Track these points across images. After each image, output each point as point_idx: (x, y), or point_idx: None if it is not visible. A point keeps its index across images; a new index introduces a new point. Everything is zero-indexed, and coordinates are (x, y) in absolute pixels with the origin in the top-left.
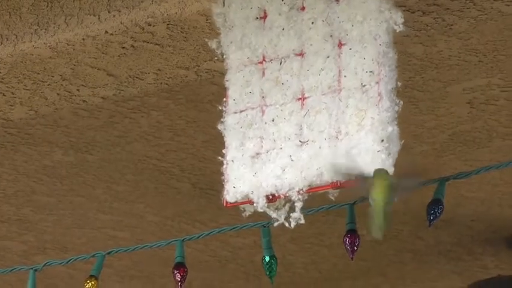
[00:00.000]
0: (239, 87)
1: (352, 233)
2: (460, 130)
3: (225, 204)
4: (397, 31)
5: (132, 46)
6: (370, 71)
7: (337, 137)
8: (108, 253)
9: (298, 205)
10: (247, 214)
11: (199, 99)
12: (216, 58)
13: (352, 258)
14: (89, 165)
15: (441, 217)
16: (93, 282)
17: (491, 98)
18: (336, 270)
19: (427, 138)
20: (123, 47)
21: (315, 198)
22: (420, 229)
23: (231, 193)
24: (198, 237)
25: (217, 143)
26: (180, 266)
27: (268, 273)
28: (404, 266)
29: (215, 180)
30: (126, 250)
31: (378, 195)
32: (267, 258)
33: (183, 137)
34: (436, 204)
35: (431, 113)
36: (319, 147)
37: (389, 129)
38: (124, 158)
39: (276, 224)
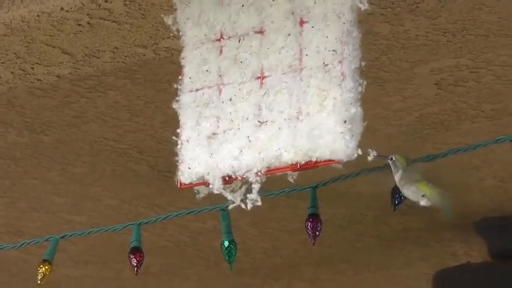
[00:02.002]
0: (196, 65)
1: (314, 217)
2: (427, 112)
3: (179, 186)
4: (362, 9)
5: (89, 23)
6: (333, 50)
7: (297, 118)
8: (62, 237)
9: (256, 187)
10: (201, 196)
11: (158, 79)
12: (173, 35)
13: (314, 243)
14: (44, 147)
15: (407, 202)
16: (46, 267)
17: (460, 79)
18: (298, 256)
19: (394, 120)
20: (79, 24)
21: (276, 182)
22: (386, 214)
23: (186, 174)
24: (155, 221)
25: (176, 124)
26: (136, 250)
27: (227, 258)
28: (369, 252)
29: (173, 163)
30: (81, 234)
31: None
32: (226, 243)
33: (141, 117)
34: None
35: (398, 95)
36: (279, 128)
37: (353, 110)
38: (80, 139)
39: (231, 206)
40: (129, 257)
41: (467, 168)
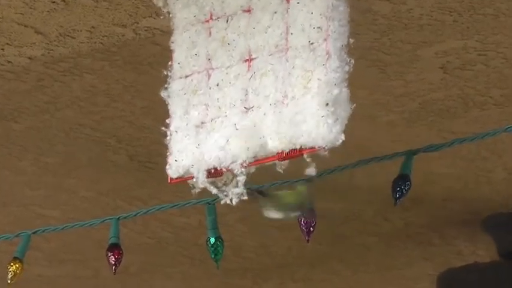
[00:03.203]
0: (185, 49)
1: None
2: (432, 98)
3: (169, 181)
4: None
5: (63, 1)
6: (318, 27)
7: (283, 102)
8: (34, 232)
9: (241, 179)
10: (196, 191)
11: (139, 61)
12: (155, 13)
13: (308, 240)
14: (14, 135)
15: (409, 196)
16: (17, 265)
17: (467, 62)
18: (290, 255)
19: (395, 106)
20: (53, 2)
21: (266, 174)
22: (386, 209)
23: (174, 167)
24: (135, 215)
25: (158, 110)
26: (114, 247)
27: (213, 256)
28: (367, 251)
29: (155, 152)
30: (55, 229)
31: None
32: (212, 240)
33: (120, 103)
34: (402, 180)
35: (399, 79)
36: (264, 114)
37: (335, 91)
38: (54, 127)
39: (222, 201)
40: (107, 254)
41: (474, 159)
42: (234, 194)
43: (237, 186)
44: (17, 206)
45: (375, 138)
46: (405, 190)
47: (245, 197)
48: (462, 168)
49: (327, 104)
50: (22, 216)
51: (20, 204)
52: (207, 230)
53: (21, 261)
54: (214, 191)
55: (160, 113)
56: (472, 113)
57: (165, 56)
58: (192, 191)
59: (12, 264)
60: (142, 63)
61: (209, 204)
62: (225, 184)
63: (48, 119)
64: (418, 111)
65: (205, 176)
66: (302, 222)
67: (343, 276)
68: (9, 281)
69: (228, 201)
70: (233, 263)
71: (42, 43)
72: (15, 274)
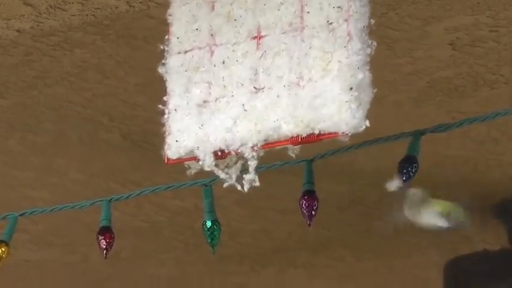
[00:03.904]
0: (184, 23)
1: (309, 194)
2: (440, 76)
3: (166, 161)
4: None
5: None
6: (338, 7)
7: (298, 84)
8: (22, 214)
9: (252, 164)
10: (192, 172)
11: (132, 35)
12: None
13: (309, 224)
14: (1, 112)
15: (416, 179)
16: (3, 249)
17: (478, 39)
18: (291, 240)
19: (403, 85)
20: None
21: (267, 154)
22: (392, 194)
23: (173, 148)
24: (127, 197)
25: (153, 87)
26: (105, 230)
27: (209, 241)
28: (372, 236)
29: (150, 131)
30: (43, 211)
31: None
32: (208, 224)
33: (113, 79)
34: (409, 161)
35: (407, 56)
36: (277, 96)
37: (360, 75)
38: (43, 103)
39: (226, 185)
40: (98, 238)
41: (484, 141)
42: (246, 180)
43: (243, 170)
44: (3, 187)
45: (380, 118)
46: (412, 172)
47: (257, 183)
48: (471, 150)
49: (351, 89)
50: (9, 197)
51: (7, 185)
52: (202, 213)
53: (7, 244)
54: (222, 175)
55: (156, 90)
56: (482, 92)
57: (160, 30)
58: (188, 172)
59: None
60: (136, 38)
61: (205, 186)
62: (228, 167)
63: (36, 95)
64: (426, 90)
65: (212, 158)
66: (303, 206)
67: (347, 263)
68: None
69: (239, 188)
70: (230, 249)
71: (31, 15)
72: (1, 258)
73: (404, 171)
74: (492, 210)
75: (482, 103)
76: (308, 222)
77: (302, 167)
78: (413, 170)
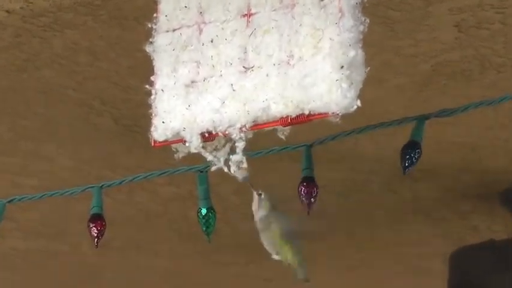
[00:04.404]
0: (173, 0)
1: (308, 181)
2: (445, 60)
3: (153, 144)
4: None
5: None
6: None
7: (288, 63)
8: (10, 201)
9: (240, 145)
10: (180, 156)
11: (124, 16)
12: None
13: (308, 212)
14: None
15: (420, 166)
16: None
17: (484, 20)
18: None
19: (405, 68)
20: None
21: (263, 140)
22: (394, 181)
23: (160, 130)
24: (119, 184)
25: (145, 70)
26: (96, 218)
27: (204, 229)
28: (373, 225)
29: (142, 115)
30: (32, 198)
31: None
32: (204, 211)
33: (105, 61)
34: (412, 147)
35: (409, 38)
36: (267, 75)
37: (352, 53)
38: (32, 87)
39: (213, 168)
40: (89, 225)
41: (491, 127)
42: (233, 162)
43: (230, 152)
44: None
45: (382, 103)
46: (415, 158)
47: (245, 165)
48: (478, 136)
49: (342, 67)
50: None
51: None
52: (197, 201)
53: None
54: (209, 157)
55: (147, 72)
56: (488, 75)
57: (152, 10)
58: (175, 156)
59: None
60: (128, 18)
61: (201, 172)
62: (216, 149)
63: (25, 78)
64: (430, 74)
65: (199, 140)
66: (302, 193)
67: (347, 253)
68: None
69: (226, 170)
70: (226, 239)
71: None
72: None
73: (407, 157)
74: (499, 198)
75: (488, 87)
76: (307, 210)
77: (301, 152)
78: (416, 156)
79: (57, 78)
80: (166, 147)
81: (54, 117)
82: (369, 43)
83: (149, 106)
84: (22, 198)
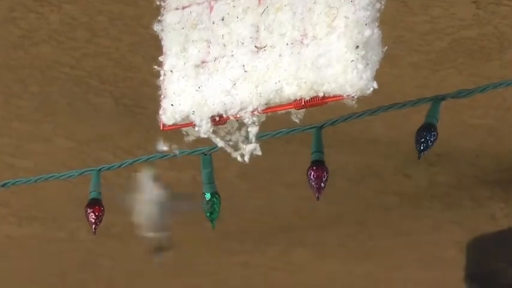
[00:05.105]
0: None
1: (318, 165)
2: (462, 37)
3: (161, 128)
4: None
5: None
6: None
7: (301, 42)
8: (3, 185)
9: (253, 130)
10: (190, 139)
11: None
12: None
13: (318, 197)
14: None
15: (435, 150)
16: None
17: None
18: (299, 215)
19: (420, 46)
20: None
21: (271, 121)
22: (409, 165)
23: (169, 113)
24: (119, 167)
25: (148, 47)
26: (95, 203)
27: (208, 214)
28: (387, 212)
29: (144, 95)
30: (27, 181)
31: None
32: (208, 196)
33: (104, 38)
34: (427, 129)
35: (425, 14)
36: (279, 55)
37: (367, 32)
38: (28, 65)
39: (234, 155)
40: (86, 211)
41: (510, 109)
42: (246, 150)
43: (245, 137)
44: None
45: (395, 82)
46: (431, 141)
47: (259, 153)
48: (496, 119)
49: (357, 47)
50: None
51: None
52: (201, 185)
53: None
54: (220, 143)
55: (150, 50)
56: (508, 54)
57: None
58: (186, 139)
59: None
60: None
61: (204, 155)
62: (229, 133)
63: (21, 55)
64: (446, 52)
65: (209, 124)
66: (311, 177)
67: (359, 241)
68: None
69: (239, 158)
70: (231, 226)
71: None
72: None
73: (422, 140)
74: None
75: (507, 66)
76: (317, 195)
77: (310, 135)
78: (432, 139)
79: (54, 56)
80: (171, 130)
81: (50, 97)
82: (382, 20)
83: (152, 86)
84: (17, 181)
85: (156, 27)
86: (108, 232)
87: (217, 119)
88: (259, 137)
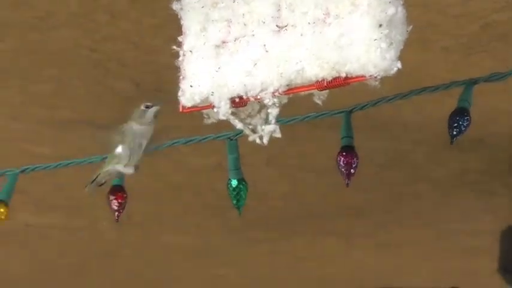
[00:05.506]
0: None
1: (348, 150)
2: (494, 20)
3: (180, 110)
4: None
5: None
6: None
7: (324, 21)
8: (22, 171)
9: (273, 112)
10: (210, 122)
11: None
12: None
13: (347, 184)
14: None
15: (468, 136)
16: (2, 210)
17: None
18: (326, 203)
19: (451, 29)
20: None
21: (298, 105)
22: (440, 151)
23: (188, 94)
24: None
25: (170, 30)
26: (117, 190)
27: (235, 202)
28: (417, 200)
29: (165, 79)
30: (47, 167)
31: None
32: (234, 182)
33: (124, 20)
34: (460, 114)
35: None
36: (301, 34)
37: (391, 10)
38: (45, 48)
39: (251, 138)
40: (108, 198)
41: None
42: (265, 131)
43: (266, 120)
44: (0, 141)
45: (426, 66)
46: (464, 127)
47: (278, 135)
48: None
49: (380, 25)
50: (6, 153)
51: (4, 139)
52: (226, 172)
53: (6, 204)
54: (238, 125)
55: (172, 32)
56: None
57: None
58: (206, 121)
59: None
60: None
61: (230, 139)
62: (250, 116)
63: (38, 38)
64: (479, 36)
65: (228, 106)
66: (341, 163)
67: (388, 230)
68: None
69: (258, 141)
70: (257, 213)
71: None
72: None
73: (455, 125)
74: None
75: None
76: (346, 181)
77: (339, 120)
78: (465, 124)
79: (73, 38)
80: (194, 113)
81: (69, 81)
82: (413, 2)
83: (174, 69)
84: (36, 167)
85: (175, 6)
86: (129, 220)
87: (237, 100)
88: (286, 122)
